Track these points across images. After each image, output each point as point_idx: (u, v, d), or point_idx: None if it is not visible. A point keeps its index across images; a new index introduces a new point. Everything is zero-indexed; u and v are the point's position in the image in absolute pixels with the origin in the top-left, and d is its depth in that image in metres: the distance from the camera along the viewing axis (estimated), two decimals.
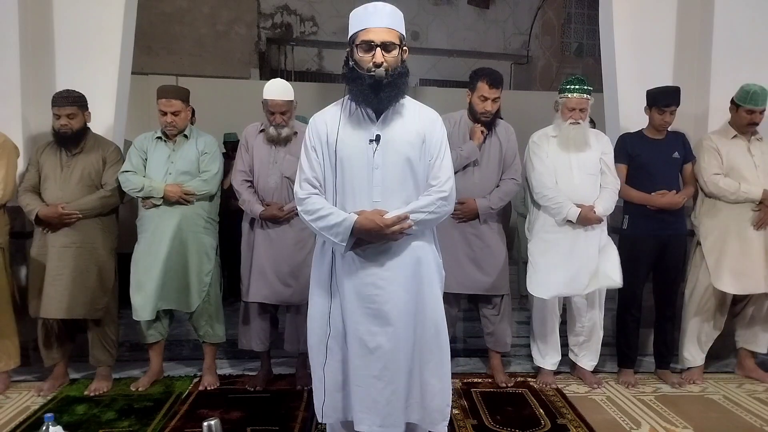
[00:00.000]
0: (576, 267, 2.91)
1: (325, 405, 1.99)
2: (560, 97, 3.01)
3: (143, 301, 2.91)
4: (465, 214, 2.95)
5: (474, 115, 2.98)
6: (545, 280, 2.96)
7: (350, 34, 1.90)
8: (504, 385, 3.08)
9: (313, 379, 2.04)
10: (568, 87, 2.98)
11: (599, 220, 2.95)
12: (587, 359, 3.15)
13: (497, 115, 3.00)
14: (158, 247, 2.90)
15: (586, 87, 2.97)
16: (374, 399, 1.92)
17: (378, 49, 1.83)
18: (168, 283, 2.92)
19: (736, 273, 3.06)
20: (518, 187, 3.07)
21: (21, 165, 3.09)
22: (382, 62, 1.83)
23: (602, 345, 3.19)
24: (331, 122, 1.95)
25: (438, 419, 2.00)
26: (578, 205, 2.91)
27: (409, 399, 1.97)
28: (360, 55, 1.86)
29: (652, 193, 3.06)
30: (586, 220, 2.91)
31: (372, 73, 1.83)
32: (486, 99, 2.91)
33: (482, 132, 2.96)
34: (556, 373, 3.19)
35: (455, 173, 2.88)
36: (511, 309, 3.21)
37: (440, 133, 1.99)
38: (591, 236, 2.95)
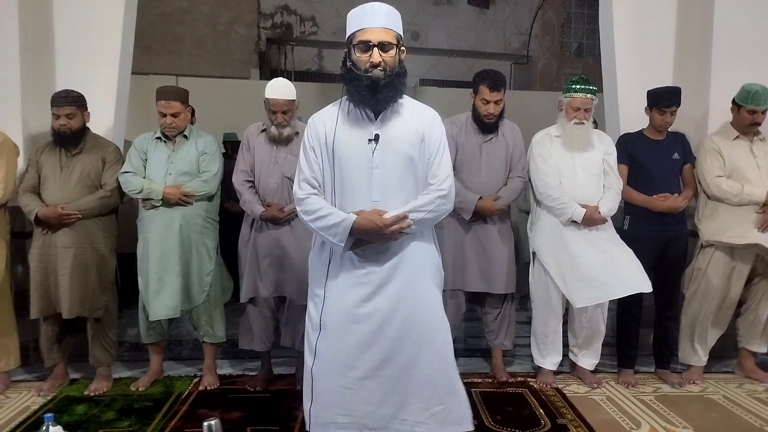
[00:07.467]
0: (587, 273, 2.89)
1: (312, 407, 1.95)
2: (565, 97, 3.01)
3: (162, 309, 2.88)
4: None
5: (477, 117, 2.98)
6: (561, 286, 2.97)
7: (348, 35, 1.89)
8: (505, 380, 3.09)
9: (303, 380, 2.02)
10: (572, 87, 2.98)
11: (604, 221, 2.95)
12: (588, 359, 3.15)
13: (501, 115, 3.00)
14: (167, 253, 2.88)
15: (590, 87, 2.97)
16: (366, 400, 1.90)
17: (375, 49, 1.82)
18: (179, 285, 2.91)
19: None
20: (525, 184, 3.08)
21: (21, 164, 3.08)
22: (380, 62, 1.82)
23: (602, 345, 3.17)
24: (329, 122, 1.95)
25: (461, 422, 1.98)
26: (583, 206, 2.91)
27: (407, 401, 1.93)
28: (357, 55, 1.85)
29: (654, 196, 3.05)
30: (591, 220, 2.91)
31: (369, 74, 1.83)
32: (488, 102, 2.92)
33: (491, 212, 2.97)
34: (556, 373, 3.18)
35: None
36: (515, 309, 3.21)
37: (439, 132, 1.99)
38: (596, 238, 2.94)
